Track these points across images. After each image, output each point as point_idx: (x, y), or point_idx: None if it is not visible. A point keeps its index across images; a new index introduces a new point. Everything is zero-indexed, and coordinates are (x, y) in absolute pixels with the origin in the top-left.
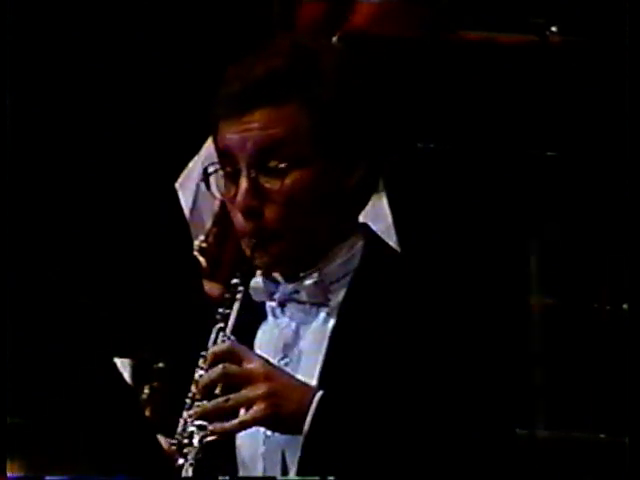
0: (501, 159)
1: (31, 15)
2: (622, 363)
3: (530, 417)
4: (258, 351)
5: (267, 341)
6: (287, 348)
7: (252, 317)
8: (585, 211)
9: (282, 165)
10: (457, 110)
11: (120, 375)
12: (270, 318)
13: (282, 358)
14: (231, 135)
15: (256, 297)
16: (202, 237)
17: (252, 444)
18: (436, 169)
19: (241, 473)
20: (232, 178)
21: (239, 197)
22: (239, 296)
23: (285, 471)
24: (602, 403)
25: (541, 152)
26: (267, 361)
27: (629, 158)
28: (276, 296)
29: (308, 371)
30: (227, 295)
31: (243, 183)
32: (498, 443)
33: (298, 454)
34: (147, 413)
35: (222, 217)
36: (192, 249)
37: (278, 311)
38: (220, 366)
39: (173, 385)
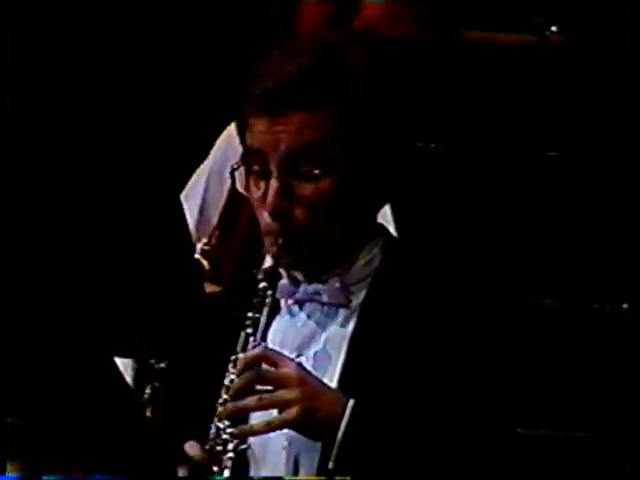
0: (501, 159)
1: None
2: (622, 363)
3: (530, 417)
4: (271, 345)
5: (281, 338)
6: (303, 347)
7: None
8: (585, 211)
9: (315, 171)
10: (457, 110)
11: (121, 375)
12: (285, 315)
13: (297, 356)
14: (264, 135)
15: (276, 295)
16: (205, 240)
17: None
18: (436, 169)
19: (252, 466)
20: (261, 177)
21: (269, 198)
22: (268, 300)
23: (296, 470)
24: (602, 403)
25: (541, 152)
26: (300, 365)
27: (629, 158)
28: (296, 296)
29: (322, 371)
30: (256, 300)
31: (274, 184)
32: (501, 443)
33: (316, 458)
34: (148, 413)
35: (225, 221)
36: (193, 252)
37: (295, 308)
38: (255, 370)
39: (174, 386)
